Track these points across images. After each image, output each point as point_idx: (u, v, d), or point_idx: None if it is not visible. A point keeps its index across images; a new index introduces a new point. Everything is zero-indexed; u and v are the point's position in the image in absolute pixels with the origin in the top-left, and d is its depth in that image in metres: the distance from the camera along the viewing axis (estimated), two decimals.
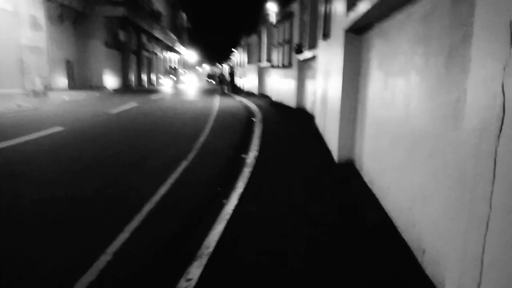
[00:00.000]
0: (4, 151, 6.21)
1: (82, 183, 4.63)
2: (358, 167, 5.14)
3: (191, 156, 6.22)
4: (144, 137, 8.00)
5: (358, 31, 5.13)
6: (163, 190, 4.41)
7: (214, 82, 39.22)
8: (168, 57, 50.88)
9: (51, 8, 20.49)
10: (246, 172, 5.10)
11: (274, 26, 17.38)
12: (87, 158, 5.96)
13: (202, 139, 7.77)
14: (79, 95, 18.60)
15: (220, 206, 3.84)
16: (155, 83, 38.07)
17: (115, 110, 12.61)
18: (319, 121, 8.79)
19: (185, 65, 68.72)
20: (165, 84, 35.27)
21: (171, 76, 34.55)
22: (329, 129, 6.65)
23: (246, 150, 6.63)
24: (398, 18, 3.42)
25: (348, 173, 5.13)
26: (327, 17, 7.24)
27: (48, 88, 18.27)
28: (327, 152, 6.42)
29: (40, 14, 18.06)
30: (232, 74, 26.63)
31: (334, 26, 6.39)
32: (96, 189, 4.41)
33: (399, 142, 3.25)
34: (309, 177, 4.99)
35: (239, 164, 5.62)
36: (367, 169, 4.55)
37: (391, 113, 3.52)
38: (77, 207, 3.87)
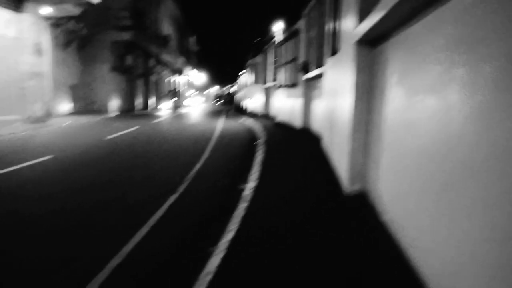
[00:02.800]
0: None
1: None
2: (372, 200, 4.31)
3: (181, 188, 5.47)
4: (135, 166, 7.29)
5: (372, 43, 4.41)
6: (140, 234, 3.64)
7: (220, 103, 38.80)
8: (176, 80, 51.09)
9: (57, 34, 20.44)
10: (240, 209, 4.32)
11: (280, 44, 16.89)
12: (63, 195, 5.24)
13: (198, 166, 7.03)
14: (82, 120, 18.19)
15: (205, 258, 3.04)
16: (160, 106, 37.62)
17: (113, 135, 12.02)
18: (326, 144, 8.00)
19: (194, 87, 69.14)
20: (166, 107, 34.37)
21: (172, 98, 33.75)
22: (338, 154, 5.86)
23: (244, 178, 5.86)
24: (426, 21, 2.69)
25: (360, 208, 4.29)
26: (336, 31, 6.59)
27: (50, 113, 17.90)
28: (335, 180, 5.61)
29: (44, 40, 17.90)
30: (232, 96, 26.33)
31: (344, 39, 5.71)
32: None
33: (433, 178, 2.45)
34: (313, 213, 4.17)
35: (235, 197, 4.83)
36: (384, 205, 3.72)
37: (419, 140, 2.74)
38: None
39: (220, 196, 5.08)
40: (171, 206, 4.59)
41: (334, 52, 6.72)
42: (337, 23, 6.51)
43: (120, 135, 12.09)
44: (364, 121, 4.62)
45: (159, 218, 4.15)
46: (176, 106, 33.90)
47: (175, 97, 34.03)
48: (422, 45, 2.74)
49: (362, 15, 4.35)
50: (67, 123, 16.45)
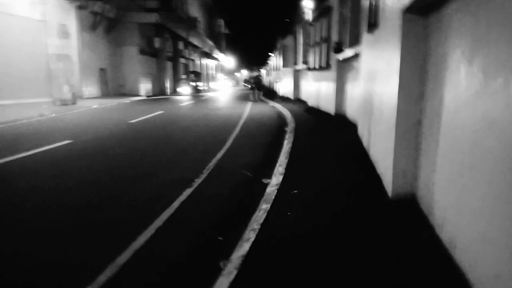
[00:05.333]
0: None
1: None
2: (425, 208, 3.50)
3: (200, 179, 4.89)
4: (153, 153, 6.79)
5: (425, 10, 3.52)
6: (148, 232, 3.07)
7: (249, 87, 37.08)
8: (205, 64, 50.67)
9: (83, 16, 20.30)
10: (261, 213, 3.65)
11: (310, 24, 15.82)
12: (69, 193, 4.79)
13: (219, 155, 6.43)
14: (109, 103, 18.10)
15: (214, 274, 2.42)
16: (180, 90, 33.33)
17: (137, 119, 11.67)
18: (363, 133, 7.14)
19: (223, 70, 68.83)
20: (185, 91, 30.14)
21: (191, 82, 30.98)
22: (379, 147, 5.04)
23: (269, 172, 5.19)
24: None
25: (409, 220, 3.48)
26: (375, 2, 5.65)
27: (77, 96, 17.91)
28: (375, 178, 4.81)
29: (70, 22, 17.77)
30: (260, 79, 25.07)
31: (385, 10, 4.80)
32: None
33: None
34: (348, 225, 3.44)
35: (256, 195, 4.17)
36: (443, 218, 2.93)
37: (503, 139, 1.93)
38: None
39: (239, 193, 4.44)
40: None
41: (373, 25, 5.80)
42: None
43: (150, 117, 11.72)
44: (415, 110, 3.76)
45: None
46: (198, 90, 31.83)
47: (197, 79, 31.84)
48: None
49: None
50: (96, 105, 16.36)
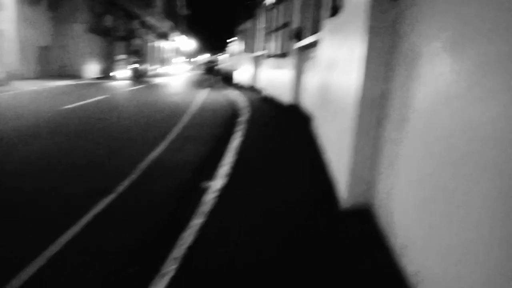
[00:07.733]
0: None
1: None
2: (384, 226, 2.99)
3: (127, 181, 4.10)
4: (83, 145, 5.85)
5: None
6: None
7: (206, 72, 34.91)
8: (162, 46, 48.40)
9: None
10: (193, 229, 2.98)
11: (271, 8, 15.10)
12: None
13: (160, 149, 5.64)
14: (50, 84, 16.39)
15: None
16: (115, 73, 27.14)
17: (72, 105, 10.44)
18: (318, 128, 6.64)
19: (182, 54, 66.57)
20: (121, 75, 24.75)
21: (133, 63, 25.84)
22: (335, 147, 4.51)
23: (212, 172, 4.50)
24: None
25: (365, 240, 2.97)
26: None
27: (13, 76, 16.03)
28: (328, 182, 4.28)
29: None
30: (216, 64, 23.87)
31: None
32: None
33: None
34: (292, 249, 2.86)
35: (192, 203, 3.49)
36: (407, 243, 2.42)
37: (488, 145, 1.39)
38: None
39: (170, 200, 3.73)
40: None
41: (335, 9, 5.23)
42: None
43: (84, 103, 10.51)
44: (377, 108, 3.23)
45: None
46: (141, 74, 26.68)
47: (141, 61, 27.75)
48: None
49: None
50: (35, 87, 14.70)
